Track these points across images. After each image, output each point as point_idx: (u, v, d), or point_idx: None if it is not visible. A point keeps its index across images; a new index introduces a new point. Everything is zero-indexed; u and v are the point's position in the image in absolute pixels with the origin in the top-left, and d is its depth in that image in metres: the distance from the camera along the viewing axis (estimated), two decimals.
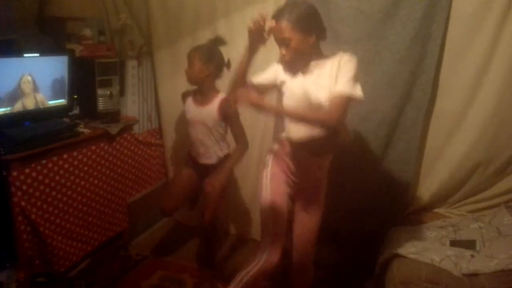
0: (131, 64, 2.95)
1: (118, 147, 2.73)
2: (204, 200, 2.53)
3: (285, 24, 1.68)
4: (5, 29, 2.40)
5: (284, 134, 1.95)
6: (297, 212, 2.01)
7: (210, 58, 2.31)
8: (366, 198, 2.65)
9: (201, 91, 2.40)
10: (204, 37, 2.84)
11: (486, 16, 2.24)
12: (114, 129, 2.64)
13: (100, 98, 2.66)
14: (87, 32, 2.73)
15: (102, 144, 2.60)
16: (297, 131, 1.86)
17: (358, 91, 1.71)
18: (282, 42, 1.73)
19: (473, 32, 2.28)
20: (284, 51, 1.74)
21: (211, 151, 2.44)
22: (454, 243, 2.16)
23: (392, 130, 2.53)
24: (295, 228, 2.02)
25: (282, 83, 1.88)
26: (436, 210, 2.60)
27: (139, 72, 3.03)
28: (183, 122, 2.79)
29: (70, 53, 2.58)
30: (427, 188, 2.60)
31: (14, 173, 2.08)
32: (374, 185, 2.63)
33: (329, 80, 1.72)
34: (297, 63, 1.80)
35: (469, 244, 2.13)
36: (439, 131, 2.51)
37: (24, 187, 2.14)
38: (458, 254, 2.03)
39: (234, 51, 2.78)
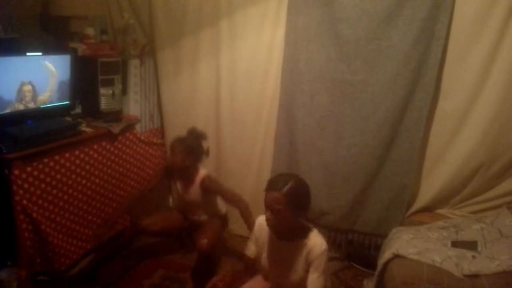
0: (133, 63, 2.96)
1: (120, 146, 2.74)
2: (201, 229, 2.57)
3: (279, 197, 1.72)
4: (8, 28, 2.40)
5: None
6: None
7: (191, 151, 2.50)
8: (369, 199, 2.65)
9: (184, 175, 2.59)
10: (206, 36, 2.85)
11: (489, 17, 2.23)
12: (116, 128, 2.64)
13: (103, 97, 2.67)
14: (90, 31, 2.73)
15: (104, 143, 2.61)
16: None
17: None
18: (271, 209, 1.76)
19: (476, 33, 2.27)
20: (269, 216, 1.77)
21: (205, 218, 2.65)
22: (455, 244, 2.15)
23: (395, 131, 2.52)
24: None
25: (262, 244, 1.97)
26: (438, 211, 2.59)
27: (141, 71, 3.03)
28: (184, 122, 2.80)
29: (73, 52, 2.59)
30: (429, 189, 2.59)
31: (16, 172, 2.09)
32: (375, 186, 2.62)
33: (300, 261, 1.84)
34: (278, 232, 1.87)
35: (471, 245, 2.12)
36: (441, 131, 2.50)
37: (26, 186, 2.14)
38: (459, 255, 2.02)
39: (236, 52, 2.80)
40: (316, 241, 1.83)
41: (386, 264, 2.09)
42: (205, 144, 2.59)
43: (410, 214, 2.62)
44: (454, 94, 2.42)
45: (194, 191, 2.56)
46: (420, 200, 2.62)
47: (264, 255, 1.95)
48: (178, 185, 2.66)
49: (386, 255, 2.12)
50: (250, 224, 2.28)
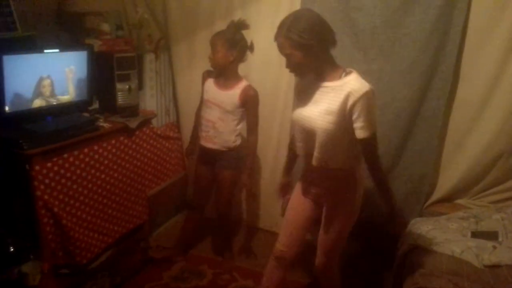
0: (148, 58, 2.97)
1: (137, 140, 2.76)
2: (217, 190, 2.59)
3: (284, 41, 1.66)
4: (25, 25, 2.44)
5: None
6: (321, 226, 2.00)
7: (234, 43, 2.29)
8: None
9: (224, 76, 2.39)
10: (220, 29, 2.84)
11: (509, 2, 2.17)
12: (133, 123, 2.67)
13: (119, 92, 2.69)
14: (105, 27, 2.75)
15: (121, 138, 2.63)
16: (300, 148, 1.88)
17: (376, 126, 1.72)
18: (285, 56, 1.71)
19: (495, 19, 2.22)
20: (287, 64, 1.73)
21: (220, 137, 2.45)
22: (475, 235, 2.13)
23: (412, 120, 2.49)
24: (318, 240, 2.04)
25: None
26: (457, 201, 2.56)
27: (156, 65, 3.05)
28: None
29: (89, 48, 2.61)
30: (448, 179, 2.56)
31: (37, 167, 2.13)
32: (394, 176, 2.60)
33: (329, 102, 1.69)
34: (303, 76, 1.80)
35: (491, 236, 2.09)
36: (460, 120, 2.46)
37: (47, 181, 2.18)
38: (479, 246, 2.00)
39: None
40: (356, 82, 1.65)
41: (405, 255, 2.08)
42: (249, 34, 2.38)
43: (429, 204, 2.59)
44: (473, 82, 2.37)
45: (230, 97, 2.36)
46: (439, 190, 2.59)
47: (295, 108, 1.86)
48: (211, 88, 2.43)
49: (405, 246, 2.11)
50: (248, 165, 2.47)
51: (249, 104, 2.39)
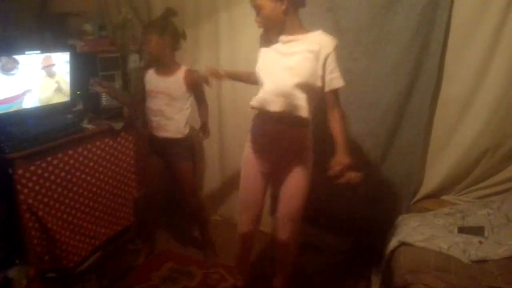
0: (133, 59, 2.94)
1: (122, 142, 2.73)
2: (180, 183, 2.59)
3: None
4: (6, 26, 2.40)
5: (258, 105, 1.91)
6: (280, 188, 2.04)
7: (164, 30, 2.35)
8: (373, 186, 2.63)
9: (162, 64, 2.43)
10: (205, 29, 2.83)
11: (490, 1, 2.19)
12: (118, 124, 2.64)
13: (103, 94, 2.66)
14: (88, 27, 2.72)
15: (106, 140, 2.61)
16: (276, 103, 1.84)
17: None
18: (254, 9, 1.80)
19: (478, 17, 2.24)
20: (257, 18, 1.81)
21: (172, 123, 2.44)
22: (462, 230, 2.14)
23: (398, 118, 2.50)
24: (278, 205, 2.06)
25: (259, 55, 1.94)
26: (443, 197, 2.58)
27: (141, 66, 3.01)
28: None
29: (72, 49, 2.58)
30: (434, 175, 2.57)
31: (20, 171, 2.09)
32: (380, 173, 2.61)
33: (304, 54, 1.78)
34: (272, 31, 1.85)
35: (478, 231, 2.11)
36: (445, 117, 2.47)
37: (30, 185, 2.15)
38: (466, 241, 2.01)
39: (236, 44, 2.77)
40: (326, 36, 1.80)
41: (392, 251, 2.09)
42: (179, 27, 2.45)
43: (416, 201, 2.61)
44: (457, 80, 2.39)
45: (174, 82, 2.41)
46: (426, 186, 2.61)
47: (262, 61, 1.91)
48: (153, 78, 2.45)
49: (392, 242, 2.11)
50: (204, 124, 2.56)
51: (194, 86, 2.45)
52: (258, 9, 1.77)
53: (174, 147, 2.49)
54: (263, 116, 1.95)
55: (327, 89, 1.83)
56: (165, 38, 2.35)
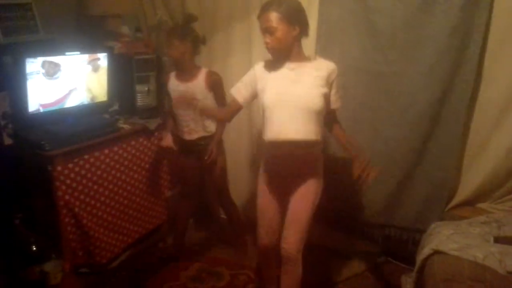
0: (167, 60, 2.99)
1: (156, 142, 2.78)
2: (211, 180, 2.65)
3: (274, 14, 1.82)
4: (46, 28, 2.48)
5: (269, 137, 1.98)
6: (289, 207, 2.07)
7: (185, 35, 2.39)
8: (407, 193, 2.59)
9: (183, 69, 2.47)
10: (237, 32, 2.85)
11: None
12: (152, 124, 2.69)
13: (138, 94, 2.72)
14: (125, 29, 2.79)
15: (141, 139, 2.66)
16: (288, 132, 1.92)
17: None
18: (267, 30, 1.86)
19: None
20: (268, 40, 1.87)
21: (199, 125, 2.49)
22: (498, 240, 2.08)
23: (434, 123, 2.44)
24: (289, 220, 2.07)
25: (262, 86, 1.98)
26: (479, 205, 2.50)
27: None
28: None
29: (109, 50, 2.64)
30: (469, 182, 2.50)
31: (59, 168, 2.16)
32: (414, 179, 2.56)
33: (314, 81, 1.90)
34: (278, 55, 1.92)
35: None
36: (483, 123, 2.40)
37: (68, 181, 2.22)
38: (502, 251, 1.95)
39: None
40: (328, 63, 1.95)
41: (425, 260, 2.04)
42: (198, 30, 2.49)
43: (450, 208, 2.54)
44: (496, 83, 2.32)
45: (196, 86, 2.44)
46: (461, 194, 2.54)
47: (271, 90, 1.94)
48: (175, 85, 2.49)
49: (425, 251, 2.06)
50: (218, 134, 2.52)
51: (215, 87, 2.47)
52: (272, 31, 1.84)
53: (205, 146, 2.51)
54: (275, 142, 1.99)
55: (332, 107, 2.00)
56: (186, 43, 2.39)
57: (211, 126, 2.51)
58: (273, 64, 1.97)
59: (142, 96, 2.73)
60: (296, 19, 1.85)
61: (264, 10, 1.85)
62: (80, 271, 2.45)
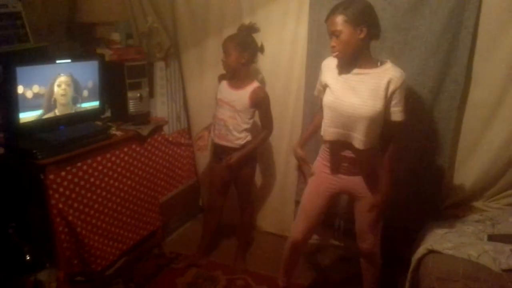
0: (159, 66, 3.00)
1: (149, 148, 2.78)
2: (238, 190, 2.65)
3: (339, 17, 1.78)
4: (36, 36, 2.47)
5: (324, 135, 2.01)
6: (355, 207, 2.15)
7: (245, 46, 2.37)
8: (400, 193, 2.59)
9: (236, 77, 2.46)
10: (229, 35, 2.85)
11: None
12: (145, 130, 2.69)
13: (131, 101, 2.71)
14: (116, 36, 2.78)
15: (134, 146, 2.65)
16: (334, 134, 1.94)
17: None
18: (333, 33, 1.82)
19: (507, 19, 2.20)
20: (334, 43, 1.83)
21: (231, 135, 2.48)
22: (492, 238, 2.10)
23: (425, 123, 2.47)
24: (360, 224, 2.16)
25: (325, 81, 1.99)
26: (472, 203, 2.53)
27: (167, 73, 3.07)
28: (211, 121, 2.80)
29: (100, 57, 2.64)
30: (462, 182, 2.52)
31: (51, 176, 2.15)
32: (407, 180, 2.57)
33: (373, 92, 1.83)
34: (345, 59, 1.87)
35: (509, 239, 2.06)
36: (474, 122, 2.43)
37: (61, 190, 2.21)
38: (496, 249, 1.96)
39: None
40: (395, 70, 1.83)
41: (420, 259, 2.05)
42: (258, 39, 2.46)
43: (444, 207, 2.56)
44: (485, 83, 2.35)
45: (240, 96, 2.42)
46: (454, 193, 2.56)
47: (329, 93, 1.94)
48: (224, 88, 2.50)
49: (420, 250, 2.08)
50: (260, 139, 2.52)
51: (259, 105, 2.45)
52: (337, 33, 1.79)
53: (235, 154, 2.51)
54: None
55: (392, 118, 1.89)
56: (245, 54, 2.38)
57: (240, 140, 2.49)
58: (340, 64, 1.93)
59: (134, 102, 2.73)
60: (363, 20, 1.78)
61: (331, 13, 1.81)
62: (75, 280, 2.43)
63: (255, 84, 2.45)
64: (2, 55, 2.24)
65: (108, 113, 2.77)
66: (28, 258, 2.32)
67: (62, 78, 2.38)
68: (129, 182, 2.64)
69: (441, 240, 2.08)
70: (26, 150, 2.14)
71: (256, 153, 2.63)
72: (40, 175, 2.13)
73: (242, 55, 2.36)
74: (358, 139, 1.88)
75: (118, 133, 2.57)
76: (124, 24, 2.99)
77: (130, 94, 2.70)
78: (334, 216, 2.83)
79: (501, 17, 2.20)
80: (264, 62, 2.77)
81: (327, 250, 2.93)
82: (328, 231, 2.90)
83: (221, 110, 2.50)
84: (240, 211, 2.76)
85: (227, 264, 2.77)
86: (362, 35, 1.79)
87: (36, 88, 2.25)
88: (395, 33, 2.38)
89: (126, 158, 2.60)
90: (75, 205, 2.30)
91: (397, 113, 1.87)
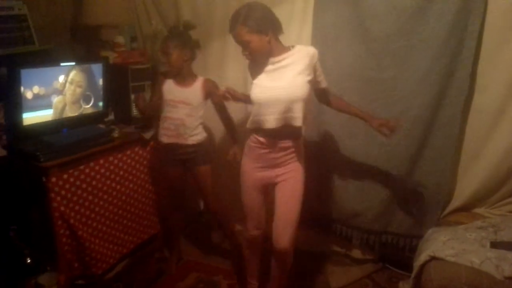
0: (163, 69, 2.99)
1: (152, 151, 2.78)
2: (201, 190, 2.62)
3: (242, 29, 1.87)
4: (41, 39, 2.48)
5: (253, 126, 2.06)
6: (276, 198, 2.15)
7: (185, 43, 2.40)
8: (403, 199, 2.59)
9: (181, 75, 2.46)
10: (232, 39, 2.86)
11: None
12: (147, 134, 2.69)
13: (134, 104, 2.72)
14: (120, 39, 2.80)
15: (136, 149, 2.66)
16: (272, 121, 1.97)
17: None
18: (241, 44, 1.92)
19: (511, 26, 2.18)
20: (246, 51, 1.94)
21: (191, 131, 2.47)
22: (495, 245, 2.07)
23: (428, 129, 2.45)
24: (275, 212, 2.14)
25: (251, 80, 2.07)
26: (475, 210, 2.50)
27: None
28: (213, 124, 2.80)
29: (105, 60, 2.65)
30: (465, 188, 2.50)
31: (53, 179, 2.16)
32: (410, 186, 2.56)
33: (300, 66, 1.94)
34: (261, 60, 1.98)
35: (511, 246, 2.04)
36: (477, 128, 2.41)
37: (63, 192, 2.21)
38: (499, 256, 1.94)
39: None
40: (308, 48, 2.00)
41: (422, 266, 2.03)
42: (193, 35, 2.47)
43: (446, 214, 2.54)
44: (490, 89, 2.33)
45: (192, 92, 2.45)
46: (457, 199, 2.54)
47: (255, 87, 2.01)
48: (172, 88, 2.47)
49: (422, 257, 2.06)
50: (236, 138, 2.53)
51: (212, 93, 2.47)
52: (245, 44, 1.89)
53: (193, 153, 2.50)
54: (257, 131, 2.07)
55: (322, 86, 2.10)
56: (186, 51, 2.40)
57: (198, 136, 2.49)
58: (258, 64, 2.02)
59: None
60: (266, 27, 1.88)
61: (232, 26, 1.90)
62: (75, 283, 2.43)
63: (201, 78, 2.49)
64: (7, 57, 2.25)
65: (111, 116, 2.78)
66: (28, 261, 2.33)
67: (75, 77, 2.41)
68: (131, 185, 2.65)
69: (443, 247, 2.06)
70: (29, 152, 2.15)
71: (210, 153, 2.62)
72: (42, 178, 2.14)
73: (184, 53, 2.39)
74: (297, 118, 1.96)
75: (121, 136, 2.57)
76: (129, 27, 3.00)
77: (133, 97, 2.70)
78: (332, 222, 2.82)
79: (507, 22, 2.18)
80: None
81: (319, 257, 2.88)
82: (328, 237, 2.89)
83: (174, 110, 2.47)
84: (212, 216, 2.79)
85: (228, 269, 2.76)
86: (268, 38, 1.90)
87: (41, 90, 2.26)
88: (399, 38, 2.37)
89: (128, 161, 2.60)
90: (77, 208, 2.30)
91: (323, 81, 2.08)
